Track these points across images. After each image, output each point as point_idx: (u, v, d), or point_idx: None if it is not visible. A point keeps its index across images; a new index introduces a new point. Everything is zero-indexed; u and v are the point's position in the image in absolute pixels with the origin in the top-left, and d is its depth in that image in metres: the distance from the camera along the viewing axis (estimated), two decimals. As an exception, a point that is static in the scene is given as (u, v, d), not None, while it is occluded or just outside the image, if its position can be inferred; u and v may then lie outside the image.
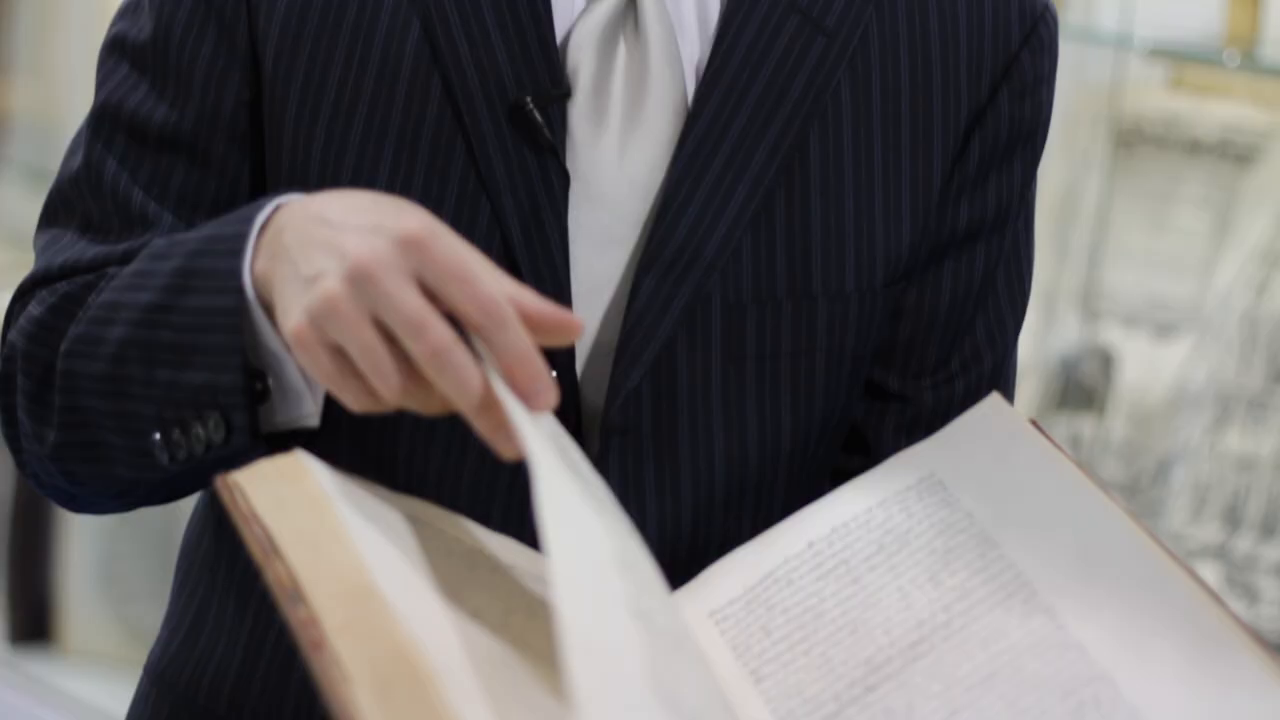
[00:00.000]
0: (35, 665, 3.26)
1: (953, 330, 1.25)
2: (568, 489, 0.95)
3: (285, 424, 1.09)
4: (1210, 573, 2.29)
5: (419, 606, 0.93)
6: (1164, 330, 2.38)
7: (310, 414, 1.09)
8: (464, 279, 0.96)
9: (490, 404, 0.97)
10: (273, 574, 0.93)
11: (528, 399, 0.96)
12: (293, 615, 0.90)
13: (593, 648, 0.85)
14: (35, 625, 3.29)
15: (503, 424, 0.96)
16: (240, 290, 1.05)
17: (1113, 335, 2.41)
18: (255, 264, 1.05)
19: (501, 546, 1.10)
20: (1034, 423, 1.14)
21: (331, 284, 0.97)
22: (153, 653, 1.29)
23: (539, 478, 0.92)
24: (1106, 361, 2.41)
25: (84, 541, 3.24)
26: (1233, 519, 2.29)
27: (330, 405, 1.13)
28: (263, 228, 1.06)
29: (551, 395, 0.96)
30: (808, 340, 1.20)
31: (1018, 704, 1.01)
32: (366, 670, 0.86)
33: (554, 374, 1.15)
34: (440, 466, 1.17)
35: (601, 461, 1.18)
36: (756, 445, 1.20)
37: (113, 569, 3.23)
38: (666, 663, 0.92)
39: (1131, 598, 1.03)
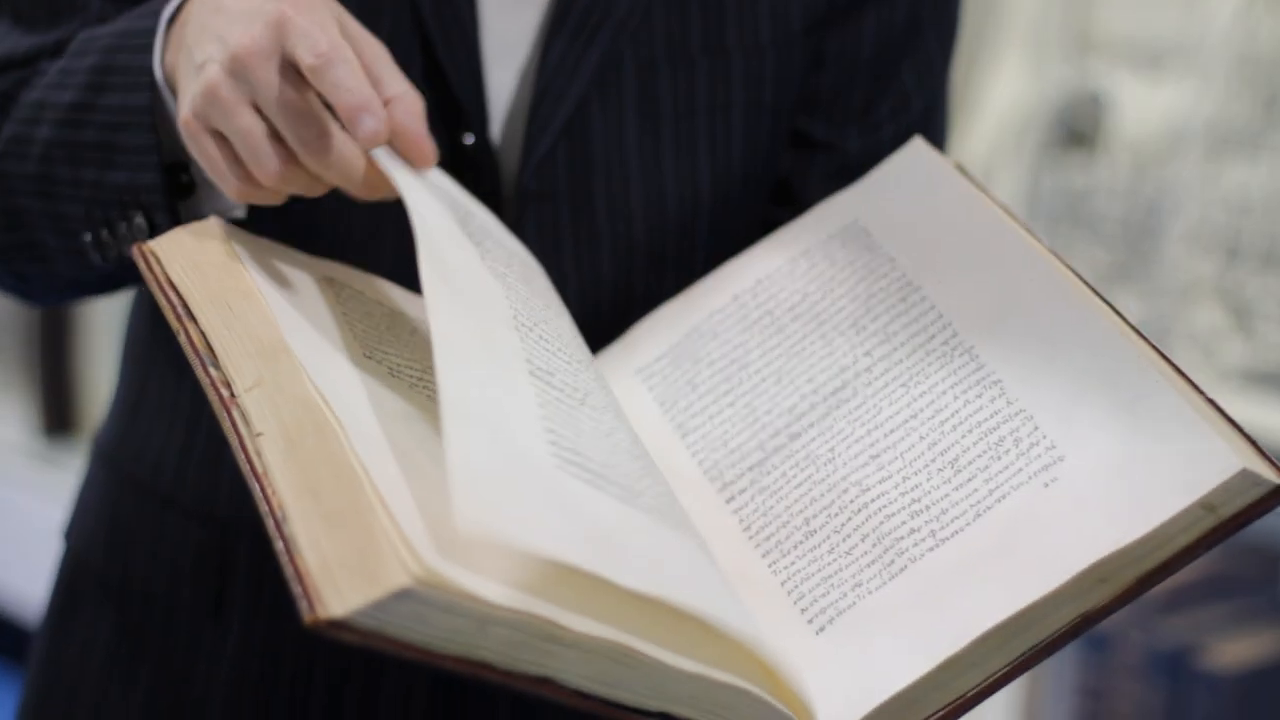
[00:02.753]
0: (64, 454, 3.30)
1: (878, 75, 1.22)
2: (457, 253, 0.95)
3: (214, 214, 1.09)
4: (1209, 309, 2.28)
5: (330, 364, 0.94)
6: (1157, 68, 2.35)
7: (236, 204, 1.09)
8: (318, 52, 0.96)
9: (374, 183, 0.97)
10: (186, 338, 0.94)
11: (356, 134, 0.96)
12: (205, 377, 0.92)
13: (469, 408, 0.85)
14: (63, 415, 3.33)
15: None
16: (152, 86, 1.06)
17: (1105, 75, 2.39)
18: (165, 57, 1.06)
19: (423, 307, 1.11)
20: (959, 166, 1.13)
21: (213, 72, 0.98)
22: (100, 434, 1.31)
23: (421, 246, 0.92)
24: (1100, 102, 2.38)
25: (109, 333, 3.26)
26: (1230, 254, 2.28)
27: None
28: (171, 21, 1.06)
29: (377, 125, 0.96)
30: (724, 96, 1.18)
31: (939, 444, 1.01)
32: (275, 425, 0.88)
33: (471, 139, 1.15)
34: (363, 233, 1.17)
35: (519, 227, 1.17)
36: (675, 203, 1.19)
37: (140, 357, 3.25)
38: (567, 418, 0.92)
39: (1051, 335, 1.02)
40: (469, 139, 1.15)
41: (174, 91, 1.05)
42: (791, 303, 1.12)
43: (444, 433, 0.82)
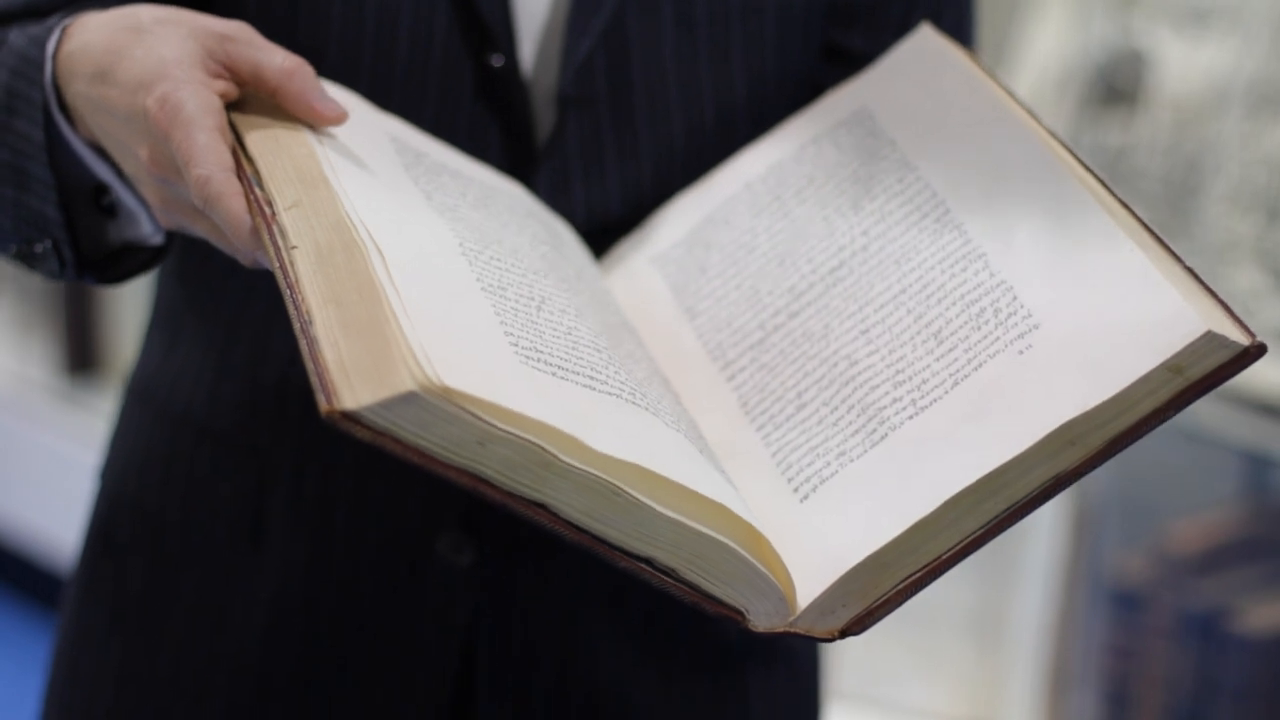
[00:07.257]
0: (88, 393, 3.34)
1: None
2: (394, 199, 1.04)
3: (136, 241, 1.12)
4: (1248, 269, 2.28)
5: (373, 198, 1.02)
6: (1200, 26, 2.36)
7: (150, 234, 1.12)
8: (182, 153, 1.00)
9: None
10: (236, 162, 1.02)
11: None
12: (250, 195, 1.00)
13: (431, 315, 0.93)
14: (87, 354, 3.37)
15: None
16: (48, 122, 1.07)
17: (1148, 32, 2.39)
18: (67, 98, 1.07)
19: (478, 168, 1.17)
20: (970, 53, 1.15)
21: (147, 191, 1.04)
22: (132, 375, 1.33)
23: (351, 200, 1.00)
24: (1142, 59, 2.39)
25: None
26: (1270, 215, 2.28)
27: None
28: (58, 51, 1.07)
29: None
30: (756, 0, 1.21)
31: (924, 317, 1.04)
32: (309, 241, 0.97)
33: (500, 61, 1.17)
34: (371, 65, 1.19)
35: (559, 134, 1.19)
36: (713, 108, 1.21)
37: (160, 296, 3.28)
38: (524, 324, 0.99)
39: (1033, 209, 1.05)
40: (497, 61, 1.17)
41: (88, 137, 1.07)
42: (798, 187, 1.16)
43: (407, 335, 0.90)
